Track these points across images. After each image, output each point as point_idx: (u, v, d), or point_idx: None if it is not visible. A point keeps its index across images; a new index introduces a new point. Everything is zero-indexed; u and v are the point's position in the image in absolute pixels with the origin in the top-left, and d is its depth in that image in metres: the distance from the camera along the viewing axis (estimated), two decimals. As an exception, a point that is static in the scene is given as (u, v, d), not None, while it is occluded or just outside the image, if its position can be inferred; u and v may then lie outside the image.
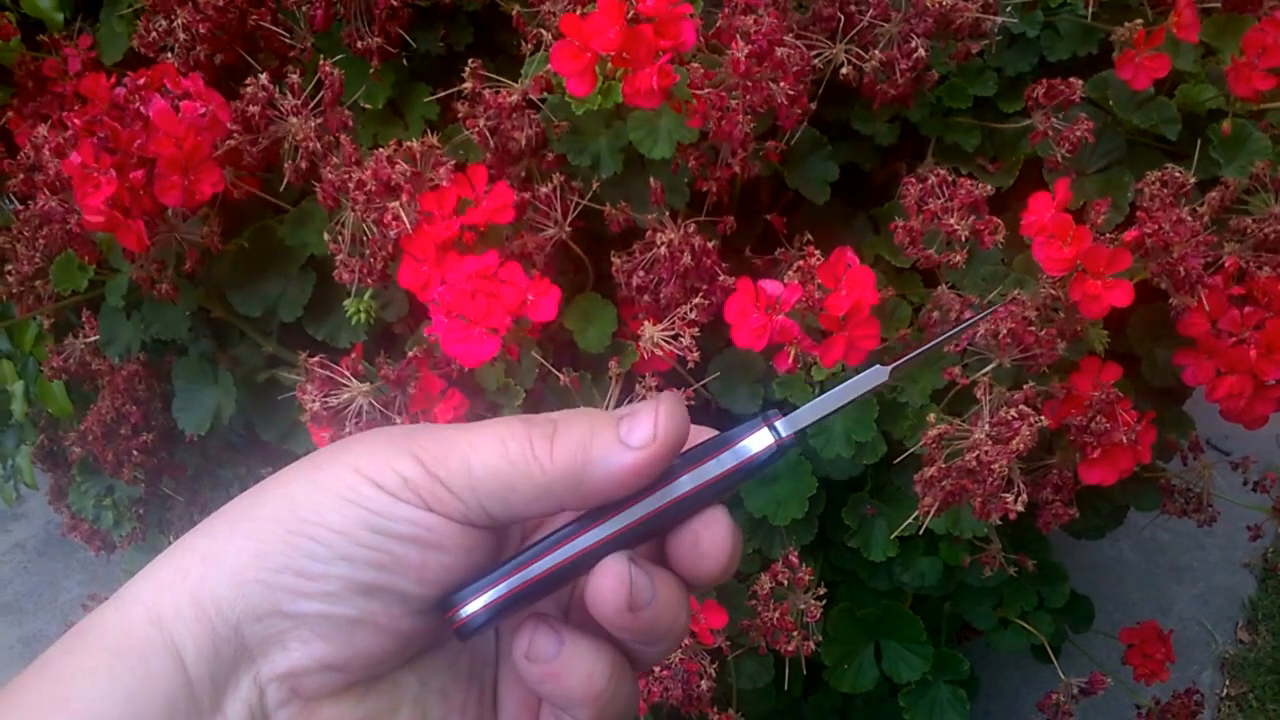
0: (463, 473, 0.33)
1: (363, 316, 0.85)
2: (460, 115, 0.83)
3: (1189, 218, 0.79)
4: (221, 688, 0.32)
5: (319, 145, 0.82)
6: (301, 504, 0.33)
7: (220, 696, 0.32)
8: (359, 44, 0.90)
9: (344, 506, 0.33)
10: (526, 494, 0.33)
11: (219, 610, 0.32)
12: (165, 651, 0.31)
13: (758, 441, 0.35)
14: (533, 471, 0.33)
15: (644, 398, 0.77)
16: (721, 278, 0.81)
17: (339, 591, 0.33)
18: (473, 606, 0.34)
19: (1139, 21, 0.87)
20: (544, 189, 0.82)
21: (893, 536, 0.95)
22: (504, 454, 0.33)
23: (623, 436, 0.33)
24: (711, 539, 0.34)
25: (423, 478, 0.33)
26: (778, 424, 0.35)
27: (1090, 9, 0.93)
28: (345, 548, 0.33)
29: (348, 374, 0.81)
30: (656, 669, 0.83)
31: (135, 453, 1.04)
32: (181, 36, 0.89)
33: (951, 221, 0.79)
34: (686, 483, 0.35)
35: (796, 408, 0.36)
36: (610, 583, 0.33)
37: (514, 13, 0.87)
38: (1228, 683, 1.76)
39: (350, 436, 0.36)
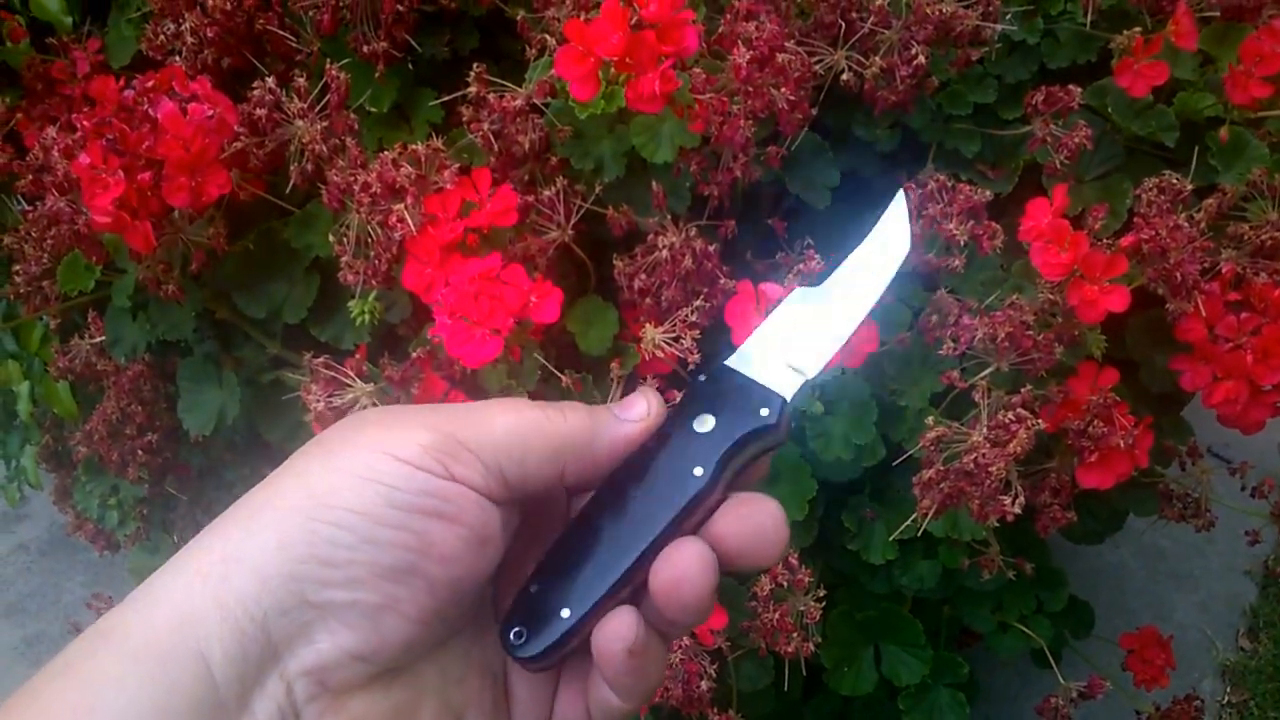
0: (483, 431, 0.35)
1: (367, 318, 0.86)
2: (465, 119, 0.84)
3: (1186, 224, 0.79)
4: (249, 688, 0.32)
5: (325, 148, 0.83)
6: (319, 489, 0.33)
7: (247, 696, 0.32)
8: (365, 48, 0.91)
9: (363, 485, 0.33)
10: (541, 452, 0.35)
11: (244, 609, 0.32)
12: (192, 657, 0.31)
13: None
14: (547, 429, 0.36)
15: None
16: (723, 281, 0.82)
17: (364, 577, 0.33)
18: (545, 640, 0.35)
19: (1138, 29, 0.88)
20: (547, 192, 0.83)
21: (892, 539, 0.96)
22: (520, 415, 0.36)
23: (620, 415, 0.37)
24: (759, 515, 0.36)
25: (442, 440, 0.34)
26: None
27: (1089, 17, 0.93)
28: (368, 529, 0.33)
29: (352, 375, 0.81)
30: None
31: (140, 453, 1.05)
32: (189, 40, 0.90)
33: (950, 226, 0.80)
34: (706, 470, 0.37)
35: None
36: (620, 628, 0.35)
37: (519, 18, 0.87)
38: (1228, 690, 1.76)
39: (361, 413, 0.37)
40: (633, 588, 0.36)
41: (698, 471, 0.36)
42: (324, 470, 0.34)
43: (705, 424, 0.38)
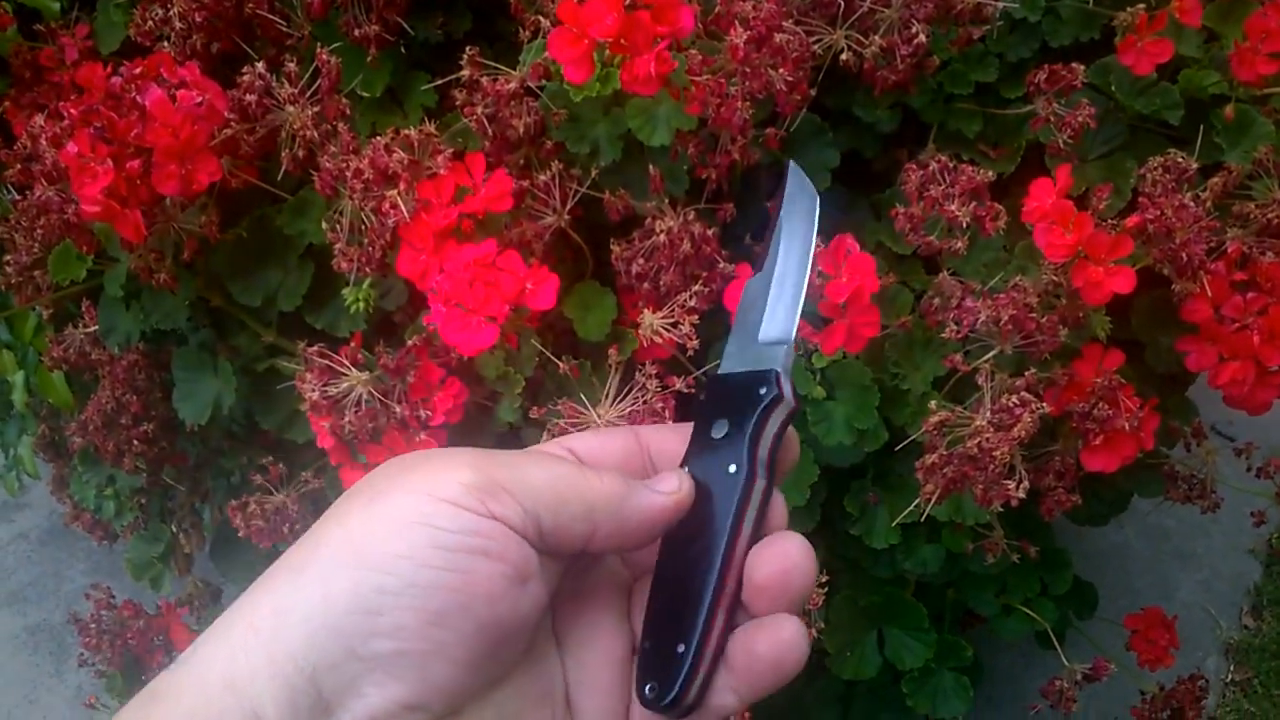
0: (520, 479, 0.35)
1: (361, 305, 0.85)
2: (458, 103, 0.82)
3: (1191, 203, 0.78)
4: None
5: (316, 134, 0.82)
6: (361, 537, 0.34)
7: None
8: (356, 32, 0.90)
9: (406, 529, 0.33)
10: (575, 510, 0.36)
11: (294, 665, 0.32)
12: (245, 717, 0.31)
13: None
14: (583, 488, 0.37)
15: (644, 386, 0.77)
16: (721, 265, 0.81)
17: (411, 624, 0.32)
18: (675, 681, 0.36)
19: (1141, 6, 0.86)
20: (542, 177, 0.82)
21: (895, 524, 0.95)
22: (558, 469, 0.37)
23: (652, 486, 0.39)
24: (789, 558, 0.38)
25: (483, 480, 0.34)
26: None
27: (1093, -7, 0.92)
28: (411, 572, 0.33)
29: (347, 363, 0.80)
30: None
31: (136, 443, 1.04)
32: (178, 25, 0.89)
33: (953, 208, 0.79)
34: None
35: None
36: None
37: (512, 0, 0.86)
38: (1232, 668, 1.76)
39: (401, 458, 0.37)
40: (729, 597, 0.37)
41: (732, 469, 0.39)
42: (366, 517, 0.34)
43: (721, 429, 0.40)
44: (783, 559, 0.37)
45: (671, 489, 0.39)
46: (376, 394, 0.80)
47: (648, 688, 0.37)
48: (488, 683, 0.36)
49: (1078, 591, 1.21)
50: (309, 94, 0.83)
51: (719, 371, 0.43)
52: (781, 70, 0.77)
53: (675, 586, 0.39)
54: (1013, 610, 1.16)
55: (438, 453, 0.37)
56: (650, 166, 0.82)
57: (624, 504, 0.37)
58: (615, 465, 0.40)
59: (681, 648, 0.37)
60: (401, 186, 0.78)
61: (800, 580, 0.37)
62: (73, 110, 0.79)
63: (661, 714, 0.37)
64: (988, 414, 0.76)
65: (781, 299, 0.43)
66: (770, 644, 0.37)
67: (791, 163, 0.47)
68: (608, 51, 0.76)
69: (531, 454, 0.38)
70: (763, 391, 0.40)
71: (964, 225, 0.79)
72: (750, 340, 0.43)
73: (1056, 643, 1.14)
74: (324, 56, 0.82)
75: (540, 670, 0.38)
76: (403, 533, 0.33)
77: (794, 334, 0.42)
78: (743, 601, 0.38)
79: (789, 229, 0.45)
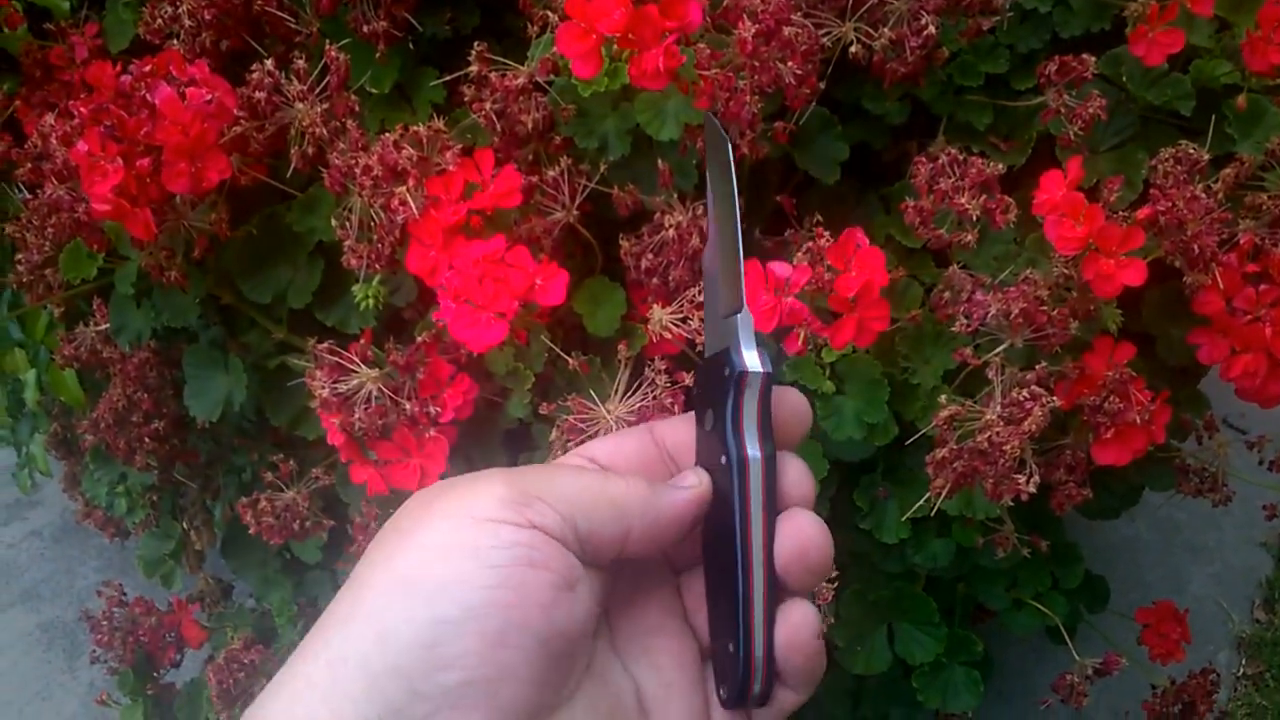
0: (550, 488, 0.36)
1: (371, 302, 0.85)
2: (467, 99, 0.82)
3: (1203, 195, 0.78)
4: None
5: (325, 131, 0.82)
6: (406, 570, 0.33)
7: None
8: (365, 28, 0.90)
9: (451, 554, 0.33)
10: (606, 513, 0.36)
11: (357, 712, 0.31)
12: None
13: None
14: (611, 492, 0.37)
15: (653, 381, 0.77)
16: (731, 260, 0.81)
17: (475, 649, 0.32)
18: (736, 681, 0.38)
19: (1152, -4, 0.86)
20: (551, 172, 0.82)
21: (905, 518, 0.95)
22: (584, 478, 0.38)
23: (674, 484, 0.39)
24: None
25: (515, 493, 0.35)
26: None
27: (1103, -16, 0.91)
28: (465, 596, 0.32)
29: (356, 360, 0.80)
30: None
31: (147, 440, 1.04)
32: (187, 23, 0.89)
33: (963, 201, 0.79)
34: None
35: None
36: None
37: (520, -6, 0.86)
38: (1244, 662, 1.75)
39: (426, 490, 0.37)
40: (762, 586, 0.38)
41: (723, 460, 0.39)
42: (407, 551, 0.34)
43: (709, 419, 0.40)
44: (797, 535, 0.38)
45: (691, 484, 0.39)
46: (386, 391, 0.80)
47: (720, 690, 0.39)
48: (556, 700, 0.35)
49: (1089, 585, 1.21)
50: (318, 91, 0.83)
51: (703, 359, 0.43)
52: (790, 64, 0.76)
53: (716, 584, 0.39)
54: (1023, 605, 1.15)
55: (464, 477, 0.37)
56: (659, 161, 0.82)
57: (650, 504, 0.38)
58: (635, 467, 0.41)
59: (732, 646, 0.38)
60: (410, 183, 0.78)
61: (818, 555, 0.38)
62: (82, 109, 0.79)
63: (736, 711, 0.38)
64: (998, 408, 0.76)
65: (725, 267, 0.42)
66: (785, 631, 0.38)
67: (706, 114, 0.48)
68: (616, 46, 0.76)
69: (556, 466, 0.38)
70: (726, 372, 0.40)
71: (974, 218, 0.78)
72: (715, 318, 0.42)
73: (1067, 637, 1.13)
74: (332, 53, 0.82)
75: (607, 685, 0.38)
76: (448, 558, 0.33)
77: (743, 299, 0.41)
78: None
79: (712, 190, 0.44)
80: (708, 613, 0.40)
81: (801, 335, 0.79)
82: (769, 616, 0.38)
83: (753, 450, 0.39)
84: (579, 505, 0.36)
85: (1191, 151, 0.81)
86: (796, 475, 0.40)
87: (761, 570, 0.38)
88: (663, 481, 0.40)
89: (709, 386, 0.41)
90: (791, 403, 0.41)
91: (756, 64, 0.76)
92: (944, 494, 0.80)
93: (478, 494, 0.35)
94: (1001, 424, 0.75)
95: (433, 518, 0.34)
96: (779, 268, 0.79)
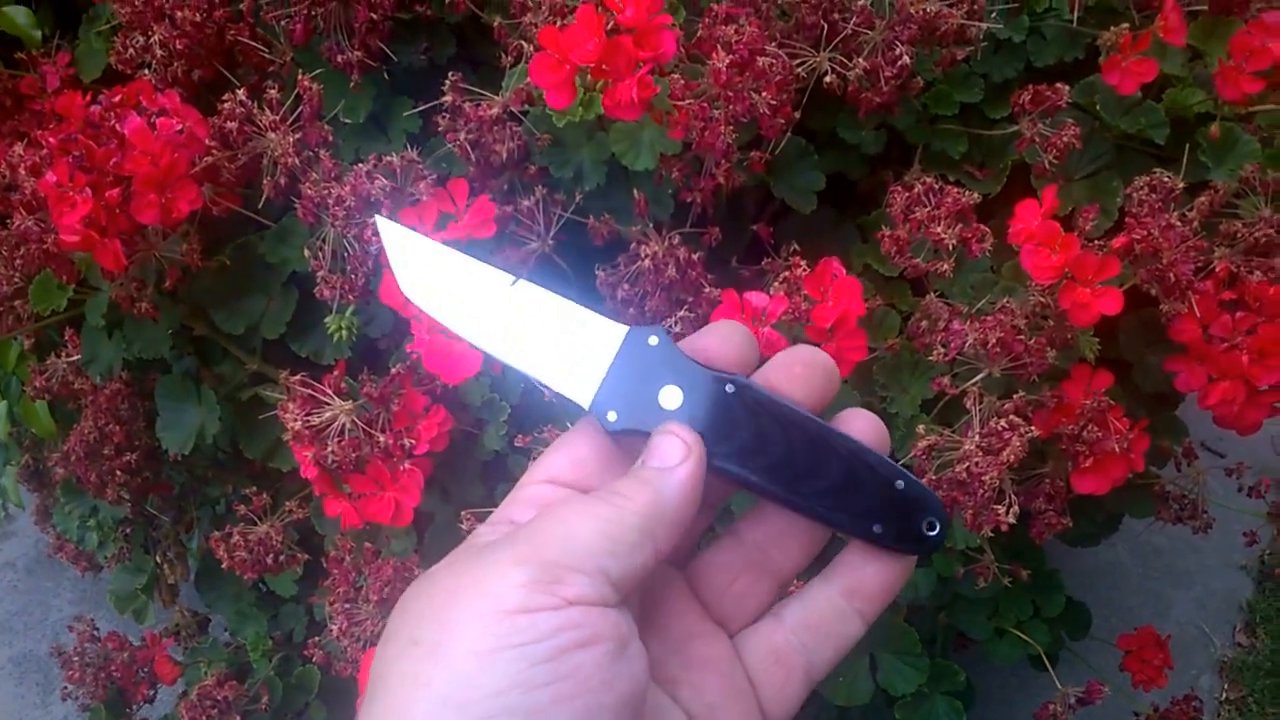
0: (569, 543, 0.33)
1: (345, 333, 0.84)
2: (441, 129, 0.82)
3: (1178, 223, 0.78)
4: None
5: (298, 160, 0.81)
6: (449, 688, 0.30)
7: None
8: (339, 58, 0.89)
9: (492, 661, 0.30)
10: (632, 540, 0.34)
11: None
12: None
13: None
14: (624, 515, 0.34)
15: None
16: (707, 289, 0.80)
17: None
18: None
19: (1125, 26, 0.86)
20: (526, 202, 0.81)
21: (885, 548, 0.94)
22: (592, 513, 0.34)
23: (662, 465, 0.36)
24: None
25: (538, 570, 0.32)
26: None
27: (1076, 14, 0.92)
28: (522, 703, 0.29)
29: (330, 392, 0.80)
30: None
31: (119, 473, 1.03)
32: (159, 53, 0.88)
33: (938, 230, 0.78)
34: None
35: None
36: None
37: (495, 24, 0.86)
38: (1226, 686, 1.75)
39: (428, 584, 0.34)
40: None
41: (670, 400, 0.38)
42: (441, 666, 0.30)
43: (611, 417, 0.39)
44: (787, 356, 0.38)
45: (681, 453, 0.36)
46: (360, 423, 0.79)
47: (927, 526, 0.38)
48: None
49: (1070, 613, 1.20)
50: (291, 120, 0.83)
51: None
52: (765, 94, 0.76)
53: (803, 471, 0.38)
54: (1005, 633, 1.15)
55: (465, 558, 0.34)
56: (635, 191, 0.82)
57: (660, 501, 0.35)
58: (602, 466, 0.38)
59: (901, 483, 0.37)
60: (384, 213, 0.78)
61: (809, 355, 0.39)
62: (51, 139, 0.79)
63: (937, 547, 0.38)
64: (976, 438, 0.76)
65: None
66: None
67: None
68: (590, 77, 0.76)
69: (559, 512, 0.35)
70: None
71: (950, 247, 0.78)
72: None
73: (1049, 665, 1.13)
74: (306, 83, 0.82)
75: (658, 712, 0.36)
76: (493, 667, 0.30)
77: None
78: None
79: None
80: (805, 510, 0.38)
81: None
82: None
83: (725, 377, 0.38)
84: (603, 551, 0.33)
85: (1166, 180, 0.81)
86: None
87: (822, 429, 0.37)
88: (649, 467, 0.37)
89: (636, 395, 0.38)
90: (802, 357, 0.39)
91: (731, 94, 0.76)
92: (923, 524, 0.79)
93: (498, 582, 0.31)
94: (980, 454, 0.75)
95: (457, 623, 0.31)
96: (756, 297, 0.78)
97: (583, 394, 0.38)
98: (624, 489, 0.35)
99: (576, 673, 0.30)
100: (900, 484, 0.37)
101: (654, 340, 0.38)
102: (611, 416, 0.38)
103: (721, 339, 0.39)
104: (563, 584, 0.31)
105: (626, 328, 0.39)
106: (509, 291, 0.40)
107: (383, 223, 0.41)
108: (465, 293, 0.40)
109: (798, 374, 0.38)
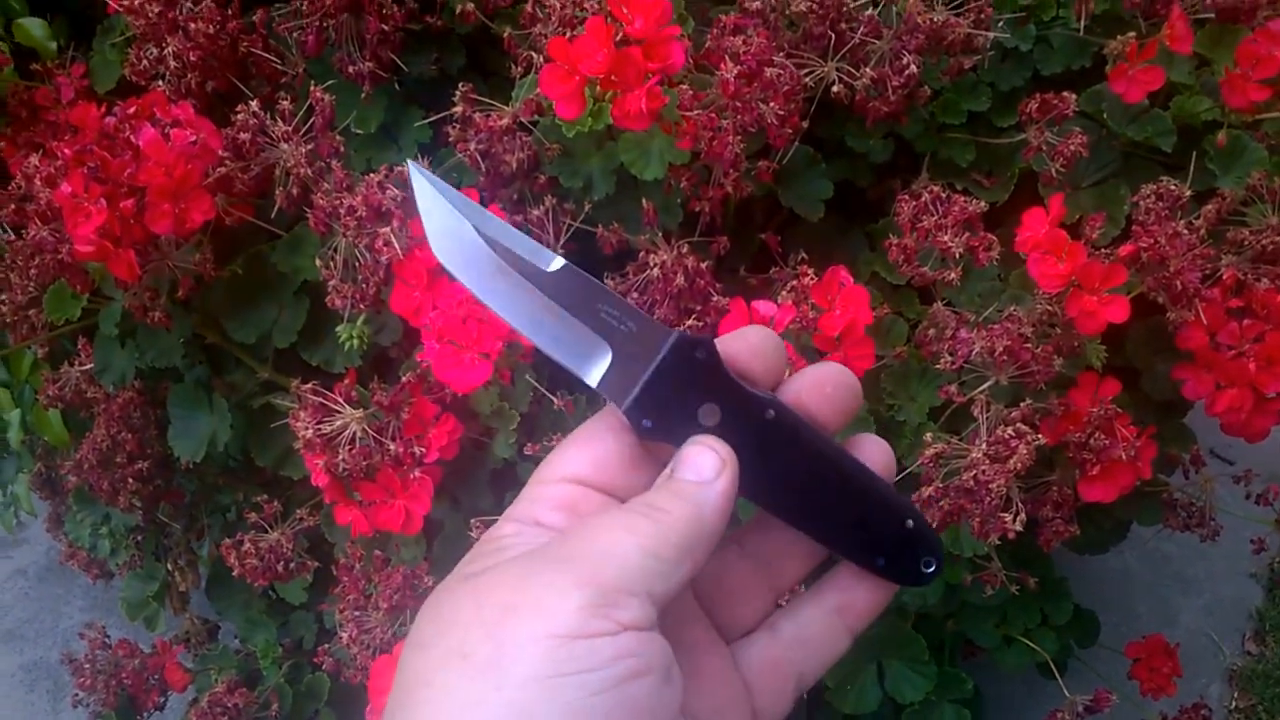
0: (623, 565, 0.32)
1: (356, 342, 0.85)
2: (452, 139, 0.83)
3: (1185, 231, 0.78)
4: None
5: (310, 171, 0.82)
6: (506, 714, 0.29)
7: None
8: (351, 69, 0.90)
9: (555, 689, 0.29)
10: (672, 559, 0.33)
11: None
12: None
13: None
14: (666, 533, 0.33)
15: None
16: (715, 298, 0.81)
17: None
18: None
19: (1132, 34, 0.87)
20: (536, 211, 0.82)
21: (893, 555, 0.94)
22: (636, 531, 0.33)
23: (695, 478, 0.35)
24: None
25: (596, 594, 0.31)
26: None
27: (1083, 22, 0.92)
28: None
29: (341, 400, 0.80)
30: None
31: (131, 480, 1.04)
32: (173, 64, 0.89)
33: (946, 238, 0.79)
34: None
35: None
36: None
37: (505, 35, 0.86)
38: (1236, 695, 1.74)
39: (475, 595, 0.33)
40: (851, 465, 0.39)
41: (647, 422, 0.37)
42: (495, 688, 0.29)
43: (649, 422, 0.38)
44: (814, 374, 0.39)
45: (715, 467, 0.35)
46: (371, 431, 0.79)
47: (925, 564, 0.39)
48: None
49: (1078, 620, 1.21)
50: (303, 131, 0.83)
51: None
52: (773, 104, 0.77)
53: (822, 506, 0.38)
54: (1013, 641, 1.15)
55: (516, 571, 0.33)
56: (644, 200, 0.83)
57: (699, 515, 0.34)
58: (626, 467, 0.37)
59: (911, 522, 0.39)
60: (394, 224, 0.78)
61: (834, 374, 0.39)
62: (66, 150, 0.79)
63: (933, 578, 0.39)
64: (984, 445, 0.76)
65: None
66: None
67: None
68: (599, 87, 0.76)
69: (604, 528, 0.33)
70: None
71: (957, 256, 0.79)
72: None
73: (1057, 673, 1.13)
74: (318, 94, 0.83)
75: None
76: (554, 694, 0.29)
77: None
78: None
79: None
80: (817, 535, 0.39)
81: (786, 374, 0.79)
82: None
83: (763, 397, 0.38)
84: (651, 572, 0.32)
85: (1173, 187, 0.81)
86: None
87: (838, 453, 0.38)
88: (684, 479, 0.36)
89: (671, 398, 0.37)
90: (833, 377, 0.39)
91: (739, 104, 0.76)
92: (931, 531, 0.79)
93: (557, 603, 0.30)
94: (987, 462, 0.75)
95: (513, 643, 0.30)
96: (764, 306, 0.79)
97: (619, 394, 0.37)
98: (663, 503, 0.34)
99: (629, 704, 0.30)
100: (910, 523, 0.39)
101: (701, 353, 0.37)
102: (645, 423, 0.37)
103: (752, 349, 0.38)
104: (617, 607, 0.31)
105: (675, 332, 0.37)
106: (548, 273, 0.38)
107: (415, 171, 0.39)
108: (498, 266, 0.38)
109: (828, 394, 0.38)
